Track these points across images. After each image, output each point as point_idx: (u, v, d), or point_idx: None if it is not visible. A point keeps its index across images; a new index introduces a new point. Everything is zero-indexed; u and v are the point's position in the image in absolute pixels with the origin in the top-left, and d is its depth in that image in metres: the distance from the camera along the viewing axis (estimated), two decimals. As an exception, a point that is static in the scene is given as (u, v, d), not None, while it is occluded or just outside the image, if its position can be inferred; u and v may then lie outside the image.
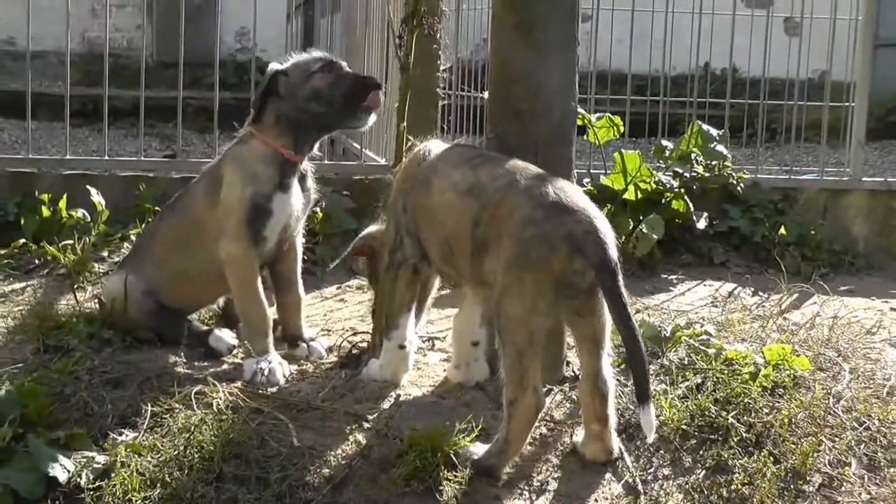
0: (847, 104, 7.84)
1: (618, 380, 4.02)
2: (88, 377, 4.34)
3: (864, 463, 4.14)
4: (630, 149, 7.07)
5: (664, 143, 7.33)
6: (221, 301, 5.04)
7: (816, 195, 7.43)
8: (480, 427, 4.03)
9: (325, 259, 6.15)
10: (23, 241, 6.09)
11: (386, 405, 4.28)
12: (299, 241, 4.89)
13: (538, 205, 3.82)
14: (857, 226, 7.42)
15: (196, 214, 4.76)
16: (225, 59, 12.95)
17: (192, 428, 3.99)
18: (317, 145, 4.79)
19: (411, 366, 4.50)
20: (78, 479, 3.79)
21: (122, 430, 4.06)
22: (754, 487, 3.93)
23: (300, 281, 4.91)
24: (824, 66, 7.87)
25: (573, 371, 4.50)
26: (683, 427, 4.17)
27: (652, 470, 4.03)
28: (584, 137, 7.03)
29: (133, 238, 5.90)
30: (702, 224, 6.86)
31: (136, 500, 3.73)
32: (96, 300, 5.10)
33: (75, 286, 5.45)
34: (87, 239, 6.01)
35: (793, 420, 4.21)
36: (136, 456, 3.87)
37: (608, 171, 6.96)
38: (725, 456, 4.06)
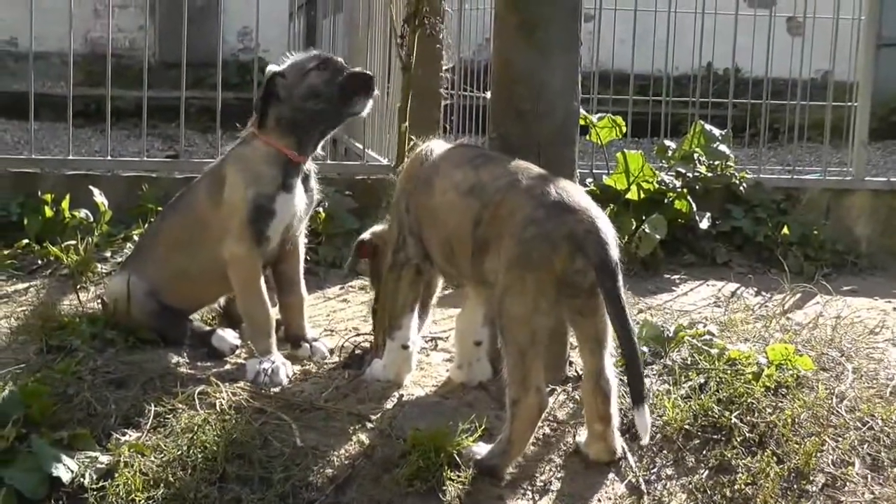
0: (850, 104, 7.83)
1: (620, 379, 4.02)
2: (91, 377, 4.35)
3: (868, 463, 4.14)
4: (633, 149, 7.07)
5: (667, 143, 7.32)
6: (222, 300, 5.04)
7: (819, 195, 7.42)
8: (483, 427, 4.03)
9: (328, 259, 6.15)
10: (26, 241, 6.09)
11: (389, 405, 4.28)
12: (302, 242, 4.89)
13: (540, 204, 3.82)
14: (859, 226, 7.42)
15: (199, 214, 4.77)
16: (227, 60, 12.92)
17: (196, 428, 3.99)
18: (320, 145, 4.80)
19: (414, 366, 4.50)
20: (81, 480, 3.80)
21: (126, 430, 4.07)
22: (758, 487, 3.93)
23: (303, 281, 4.91)
24: (827, 66, 7.87)
25: (576, 371, 4.50)
26: (686, 427, 4.17)
27: (655, 470, 4.03)
28: (587, 137, 7.02)
29: (136, 238, 5.90)
30: (704, 224, 6.85)
31: (140, 501, 3.73)
32: (99, 300, 5.11)
33: (78, 286, 5.45)
34: (90, 239, 6.01)
35: (796, 420, 4.21)
36: (140, 456, 3.88)
37: (611, 172, 6.96)
38: (729, 456, 4.06)
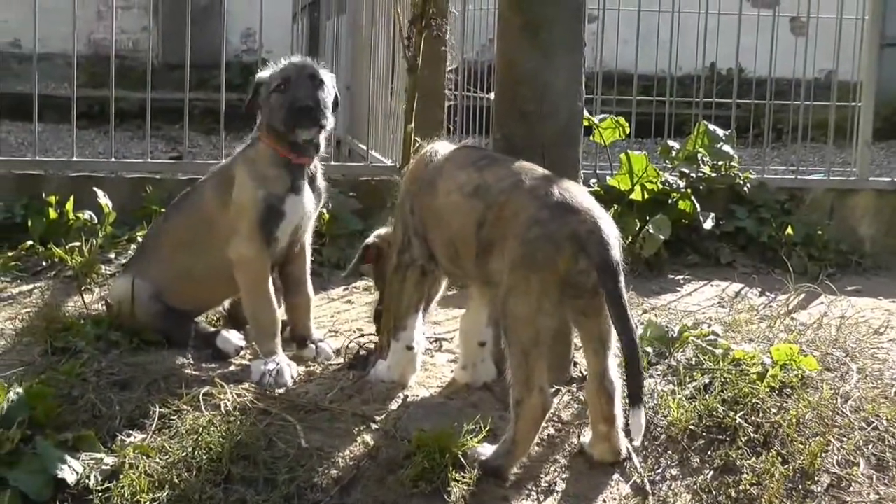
0: (853, 104, 7.83)
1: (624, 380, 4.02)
2: (96, 379, 4.35)
3: (873, 463, 4.14)
4: (636, 149, 7.07)
5: (670, 143, 7.32)
6: (227, 303, 5.04)
7: (823, 195, 7.42)
8: (488, 428, 4.03)
9: (332, 260, 6.16)
10: (30, 243, 6.10)
11: (394, 406, 4.28)
12: (308, 242, 4.89)
13: (543, 205, 3.83)
14: (863, 226, 7.41)
15: (205, 214, 4.77)
16: (231, 61, 12.93)
17: (200, 429, 3.99)
18: (323, 145, 4.77)
19: (419, 367, 4.50)
20: (86, 481, 3.80)
21: (130, 431, 4.07)
22: (762, 488, 3.93)
23: (310, 282, 4.91)
24: (830, 66, 7.86)
25: (580, 372, 4.50)
26: (691, 427, 4.17)
27: (660, 470, 4.03)
28: (591, 138, 7.02)
29: (139, 240, 5.90)
30: (708, 224, 6.85)
31: (145, 502, 3.73)
32: (103, 302, 5.11)
33: (82, 288, 5.45)
34: (94, 241, 6.02)
35: (801, 420, 4.21)
36: (145, 457, 3.88)
37: (614, 172, 6.96)
38: (733, 456, 4.06)
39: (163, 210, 5.98)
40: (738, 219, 7.07)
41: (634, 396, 3.78)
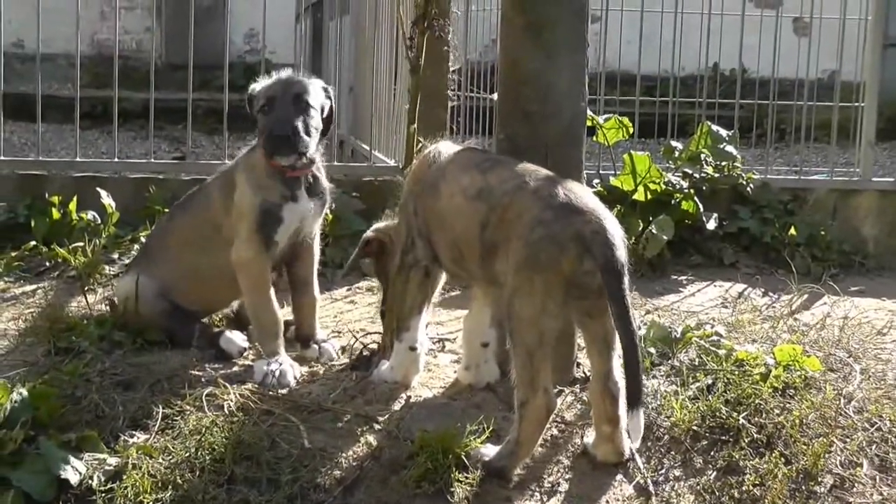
0: (857, 104, 7.83)
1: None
2: (99, 379, 4.36)
3: (876, 464, 4.14)
4: (639, 150, 7.06)
5: (673, 143, 7.33)
6: (235, 305, 5.04)
7: (826, 195, 7.42)
8: (491, 429, 4.03)
9: (336, 261, 6.15)
10: (33, 243, 6.11)
11: (397, 407, 4.28)
12: (316, 243, 4.90)
13: (547, 206, 3.82)
14: (867, 226, 7.41)
15: (211, 215, 4.79)
16: (234, 61, 12.89)
17: (203, 430, 4.00)
18: (318, 156, 4.75)
19: (422, 367, 4.50)
20: (89, 482, 3.81)
21: (134, 432, 4.07)
22: (765, 488, 3.92)
23: (316, 282, 4.92)
24: (834, 66, 7.86)
25: (584, 372, 4.50)
26: (694, 428, 4.16)
27: (663, 471, 4.03)
28: (594, 138, 7.02)
29: (143, 240, 5.90)
30: (711, 225, 6.85)
31: (148, 502, 3.73)
32: (107, 302, 5.11)
33: (86, 288, 5.45)
34: (98, 241, 6.03)
35: (804, 421, 4.21)
36: (148, 458, 3.88)
37: (618, 172, 6.96)
38: (736, 457, 4.05)
39: (166, 210, 5.99)
40: (741, 219, 7.07)
41: (634, 398, 3.77)
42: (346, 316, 5.53)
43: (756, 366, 4.48)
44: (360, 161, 8.12)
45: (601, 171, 7.20)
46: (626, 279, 3.75)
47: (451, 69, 6.58)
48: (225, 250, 4.66)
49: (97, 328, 4.80)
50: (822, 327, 5.16)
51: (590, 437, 4.08)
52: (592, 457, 4.03)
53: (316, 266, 4.91)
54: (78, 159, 6.97)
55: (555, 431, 4.17)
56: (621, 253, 3.75)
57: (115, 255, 6.03)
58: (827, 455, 4.07)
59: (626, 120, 7.15)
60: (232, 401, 4.22)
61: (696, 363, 4.57)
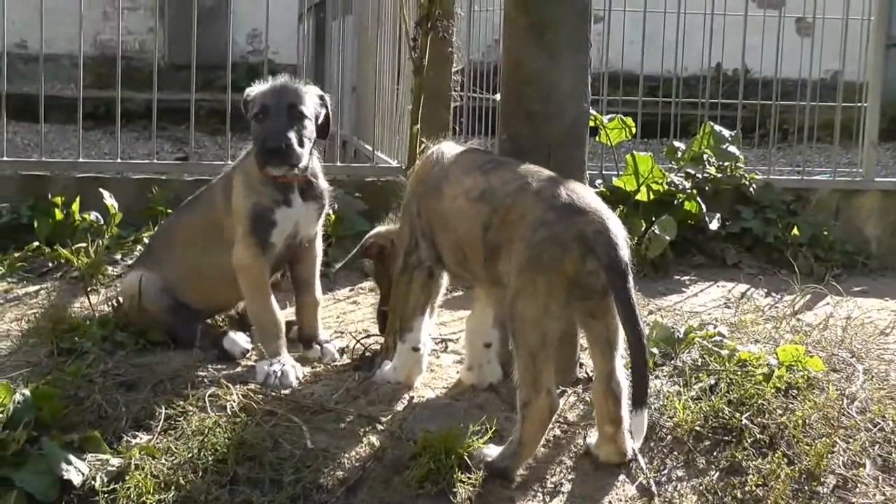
0: (859, 104, 7.83)
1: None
2: (102, 380, 4.36)
3: (879, 464, 4.14)
4: (642, 150, 7.06)
5: (676, 144, 7.32)
6: (241, 306, 5.04)
7: (829, 196, 7.41)
8: (494, 429, 4.04)
9: (338, 261, 6.14)
10: (36, 244, 6.10)
11: (399, 407, 4.28)
12: (318, 244, 4.91)
13: (550, 207, 3.82)
14: (869, 226, 7.41)
15: (214, 215, 4.81)
16: (237, 62, 12.95)
17: (206, 430, 4.00)
18: (316, 163, 4.75)
19: (425, 368, 4.50)
20: (92, 482, 3.81)
21: (136, 432, 4.08)
22: (768, 489, 3.92)
23: (318, 283, 4.92)
24: (836, 67, 7.85)
25: (587, 373, 4.50)
26: (697, 428, 4.16)
27: (666, 471, 4.03)
28: (597, 139, 7.02)
29: (146, 241, 5.90)
30: (714, 225, 6.85)
31: (150, 503, 3.74)
32: (110, 302, 5.11)
33: (88, 289, 5.46)
34: (100, 242, 6.03)
35: (807, 421, 4.20)
36: (150, 458, 3.88)
37: (620, 173, 6.95)
38: (739, 457, 4.05)
39: (169, 211, 6.00)
40: (743, 219, 7.06)
41: (639, 399, 3.78)
42: (349, 316, 5.52)
43: (759, 366, 4.48)
44: (362, 161, 8.12)
45: (604, 172, 7.19)
46: (631, 278, 3.75)
47: (455, 69, 6.56)
48: (227, 251, 4.67)
49: (100, 329, 4.80)
50: (825, 328, 5.16)
51: (592, 437, 4.08)
52: (595, 457, 4.03)
53: (318, 267, 4.92)
54: (81, 160, 6.97)
55: (557, 432, 4.17)
56: (625, 252, 3.75)
57: (118, 256, 6.02)
58: (830, 455, 4.07)
59: (628, 120, 7.15)
60: (235, 401, 4.22)
61: (699, 363, 4.57)
